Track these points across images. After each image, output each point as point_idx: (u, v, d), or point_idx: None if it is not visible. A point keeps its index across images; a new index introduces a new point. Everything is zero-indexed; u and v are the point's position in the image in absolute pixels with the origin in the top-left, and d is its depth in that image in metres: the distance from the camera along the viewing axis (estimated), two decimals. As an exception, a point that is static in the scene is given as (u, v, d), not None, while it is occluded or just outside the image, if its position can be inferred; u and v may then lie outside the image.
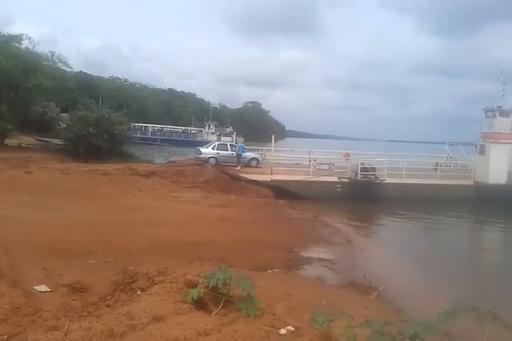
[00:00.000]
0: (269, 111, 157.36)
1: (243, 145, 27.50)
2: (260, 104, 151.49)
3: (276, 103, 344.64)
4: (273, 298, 7.67)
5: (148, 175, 21.11)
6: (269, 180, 22.23)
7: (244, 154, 26.51)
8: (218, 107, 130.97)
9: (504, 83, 29.02)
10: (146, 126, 77.15)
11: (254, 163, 26.53)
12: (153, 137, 73.74)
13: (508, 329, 3.29)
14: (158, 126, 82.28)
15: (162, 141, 72.14)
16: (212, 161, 25.35)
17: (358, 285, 9.26)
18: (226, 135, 77.10)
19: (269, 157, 25.66)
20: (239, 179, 21.84)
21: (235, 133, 41.72)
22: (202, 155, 26.12)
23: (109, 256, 8.43)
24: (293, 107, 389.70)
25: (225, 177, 21.82)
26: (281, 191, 21.05)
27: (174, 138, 76.82)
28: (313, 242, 12.87)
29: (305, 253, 11.51)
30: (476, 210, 22.68)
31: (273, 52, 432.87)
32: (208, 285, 4.62)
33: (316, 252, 11.77)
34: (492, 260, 13.94)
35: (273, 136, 24.55)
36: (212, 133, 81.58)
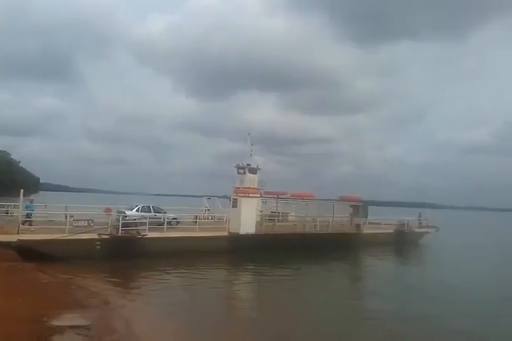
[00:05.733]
0: (19, 162, 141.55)
1: (33, 204, 23.82)
2: (10, 154, 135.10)
3: (30, 153, 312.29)
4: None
5: None
6: (15, 240, 19.35)
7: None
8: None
9: (252, 144, 33.57)
10: None
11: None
12: None
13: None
14: None
15: None
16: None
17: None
18: (-37, 189, 65.38)
19: (17, 214, 22.59)
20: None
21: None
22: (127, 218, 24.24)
23: None
24: (50, 158, 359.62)
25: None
26: (31, 252, 18.51)
27: None
28: (65, 308, 11.53)
29: (55, 322, 10.19)
30: (232, 259, 24.54)
31: (25, 98, 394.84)
32: None
33: (68, 319, 10.54)
34: (245, 308, 15.02)
35: (22, 190, 21.73)
36: None
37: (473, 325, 13.03)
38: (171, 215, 28.05)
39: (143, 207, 27.62)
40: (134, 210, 26.97)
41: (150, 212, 26.96)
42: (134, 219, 24.22)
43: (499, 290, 19.16)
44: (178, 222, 27.95)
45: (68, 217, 22.49)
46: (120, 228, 22.02)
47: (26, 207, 22.97)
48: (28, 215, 22.59)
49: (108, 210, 26.51)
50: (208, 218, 31.80)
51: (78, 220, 22.34)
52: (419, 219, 41.07)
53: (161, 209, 28.42)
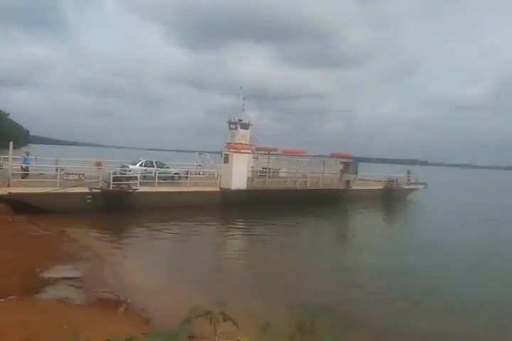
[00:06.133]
0: (8, 114, 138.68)
1: (28, 157, 23.67)
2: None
3: (19, 105, 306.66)
4: (3, 331, 6.66)
5: None
6: (6, 193, 19.35)
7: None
8: None
9: (244, 99, 32.92)
10: None
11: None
12: None
13: (235, 327, 3.55)
14: None
15: None
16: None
17: (105, 301, 8.85)
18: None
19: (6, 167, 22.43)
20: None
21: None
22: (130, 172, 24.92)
23: None
24: (40, 111, 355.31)
25: None
26: (22, 205, 18.57)
27: None
28: (57, 260, 11.76)
29: (47, 274, 10.42)
30: (223, 214, 24.88)
31: (12, 45, 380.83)
32: None
33: (60, 271, 10.79)
34: (233, 262, 15.35)
35: (11, 143, 21.43)
36: None
37: (451, 277, 13.59)
38: (173, 170, 28.43)
39: (146, 161, 27.83)
40: (138, 165, 27.18)
41: (153, 166, 27.21)
42: (126, 174, 24.21)
43: (481, 245, 19.77)
44: (180, 177, 28.31)
45: (59, 171, 22.40)
46: (111, 182, 22.05)
47: (24, 160, 22.85)
48: (25, 168, 22.52)
49: (99, 164, 26.41)
50: (199, 173, 31.87)
51: (69, 174, 22.27)
52: (408, 176, 41.60)
53: (164, 164, 28.73)
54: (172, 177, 27.37)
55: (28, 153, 24.16)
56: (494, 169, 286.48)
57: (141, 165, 27.24)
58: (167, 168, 28.32)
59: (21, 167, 22.59)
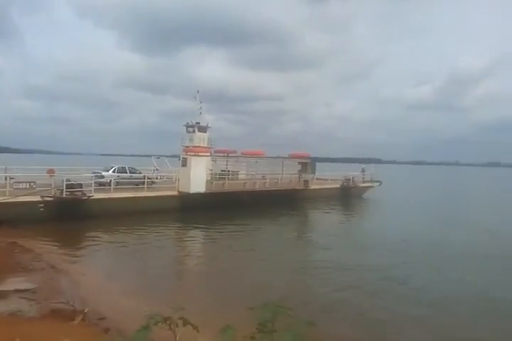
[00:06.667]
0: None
1: None
2: None
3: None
4: None
5: None
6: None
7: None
8: None
9: (201, 102, 32.73)
10: None
11: None
12: None
13: (196, 331, 3.48)
14: None
15: None
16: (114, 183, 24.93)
17: (60, 312, 8.50)
18: None
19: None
20: None
21: None
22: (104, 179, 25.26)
23: None
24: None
25: None
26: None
27: None
28: (9, 272, 11.23)
29: (-2, 287, 9.88)
30: (181, 218, 24.48)
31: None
32: None
33: (12, 283, 10.30)
34: (190, 266, 15.16)
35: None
36: None
37: (409, 274, 13.97)
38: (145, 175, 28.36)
39: (118, 167, 27.63)
40: (110, 171, 26.94)
41: (126, 172, 27.30)
42: (77, 182, 23.43)
43: (436, 240, 20.47)
44: (153, 182, 28.35)
45: (8, 179, 21.41)
46: (64, 190, 21.28)
47: None
48: None
49: (51, 171, 25.47)
50: (156, 178, 31.39)
51: (19, 182, 21.35)
52: (363, 174, 42.64)
53: (136, 170, 28.72)
54: (145, 183, 27.01)
55: None
56: (444, 165, 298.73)
57: (114, 171, 27.08)
58: (139, 173, 28.36)
59: None
